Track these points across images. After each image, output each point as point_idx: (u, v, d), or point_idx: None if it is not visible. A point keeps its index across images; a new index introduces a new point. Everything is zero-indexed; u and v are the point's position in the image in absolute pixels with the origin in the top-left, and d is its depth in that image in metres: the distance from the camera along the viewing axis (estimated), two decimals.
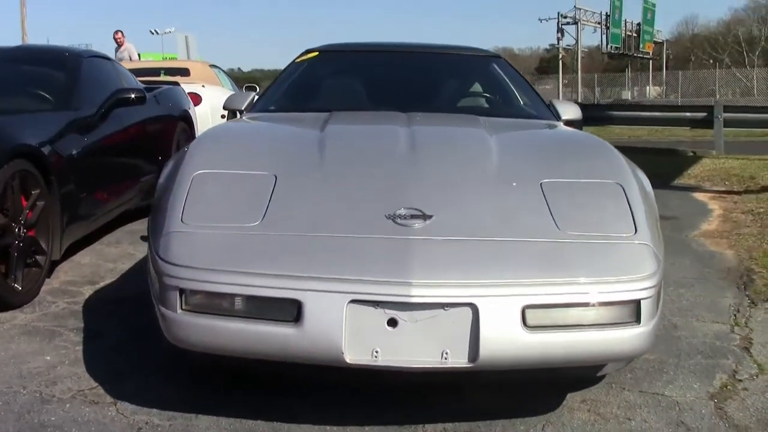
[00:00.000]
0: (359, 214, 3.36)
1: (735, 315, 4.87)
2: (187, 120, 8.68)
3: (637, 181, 3.70)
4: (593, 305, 3.09)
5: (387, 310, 3.00)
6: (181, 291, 3.12)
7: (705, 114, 13.95)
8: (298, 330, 3.00)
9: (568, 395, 3.65)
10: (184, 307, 3.13)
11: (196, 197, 3.46)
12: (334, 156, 3.86)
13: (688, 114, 14.59)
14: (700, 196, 9.60)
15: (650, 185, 3.91)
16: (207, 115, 11.12)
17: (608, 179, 3.69)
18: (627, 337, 3.14)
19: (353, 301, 2.99)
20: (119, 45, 16.76)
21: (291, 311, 3.02)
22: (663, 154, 13.62)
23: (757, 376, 3.93)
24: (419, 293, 2.98)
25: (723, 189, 9.99)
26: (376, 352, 3.00)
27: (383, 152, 3.98)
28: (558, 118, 5.33)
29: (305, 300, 3.00)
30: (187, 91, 9.60)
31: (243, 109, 5.47)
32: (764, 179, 10.29)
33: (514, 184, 3.64)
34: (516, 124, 5.03)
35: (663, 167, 11.05)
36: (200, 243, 3.24)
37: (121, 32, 16.82)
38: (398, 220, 3.28)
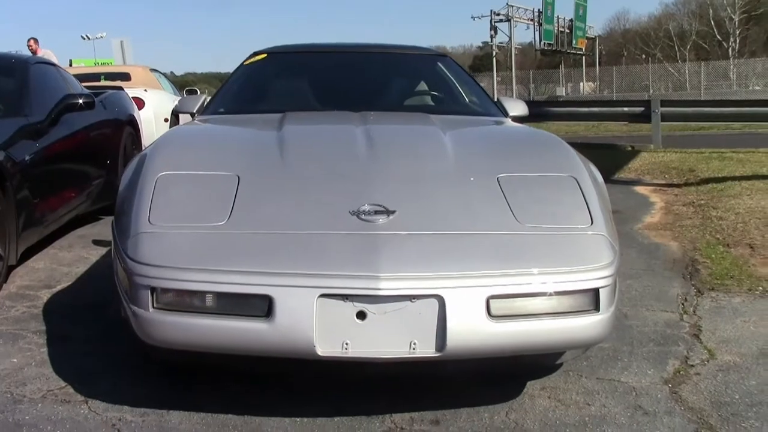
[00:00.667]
0: (324, 211, 3.43)
1: (683, 304, 5.03)
2: (134, 124, 8.66)
3: (590, 174, 3.83)
4: (554, 294, 3.20)
5: (356, 303, 3.07)
6: (153, 290, 3.17)
7: (642, 108, 14.25)
8: (270, 325, 3.06)
9: (528, 383, 3.76)
10: (155, 305, 3.17)
11: (161, 198, 3.50)
12: (295, 155, 3.92)
13: (626, 109, 14.88)
14: (641, 189, 9.82)
15: (601, 177, 4.04)
16: (151, 119, 11.09)
17: (563, 173, 3.82)
18: (587, 324, 3.25)
19: (323, 296, 3.06)
20: (33, 53, 15.31)
21: (262, 307, 3.08)
22: (602, 149, 13.86)
23: (708, 361, 4.07)
24: (387, 286, 3.06)
25: (663, 182, 10.22)
26: (347, 344, 3.08)
27: (343, 150, 4.06)
28: (505, 114, 5.46)
29: (276, 295, 3.06)
30: (130, 95, 9.56)
31: (195, 111, 5.49)
32: (703, 172, 10.55)
33: (472, 179, 3.74)
34: (466, 121, 5.14)
35: (603, 162, 11.09)
36: (169, 242, 3.28)
37: (34, 39, 15.93)
38: (362, 216, 3.36)
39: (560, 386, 3.75)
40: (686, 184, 9.79)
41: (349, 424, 3.34)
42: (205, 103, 5.62)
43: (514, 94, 51.65)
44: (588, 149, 12.22)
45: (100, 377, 3.80)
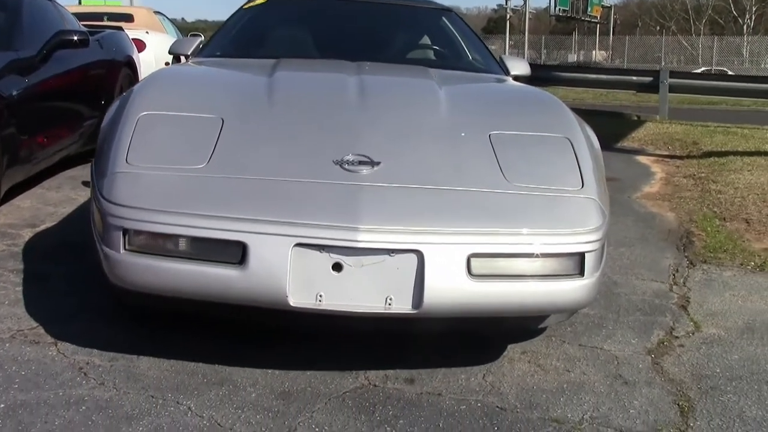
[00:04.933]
0: (306, 159, 3.34)
1: (674, 275, 4.95)
2: (131, 66, 8.53)
3: (585, 137, 3.72)
4: (538, 256, 3.11)
5: (332, 255, 2.99)
6: (125, 231, 3.08)
7: (651, 78, 14.08)
8: (243, 272, 2.98)
9: (509, 347, 3.68)
10: (127, 247, 3.09)
11: (141, 139, 3.40)
12: (283, 101, 3.82)
13: (634, 78, 14.70)
14: (643, 159, 9.70)
15: (598, 142, 3.94)
16: (151, 62, 10.94)
17: (557, 133, 3.71)
18: (570, 289, 3.17)
19: (298, 245, 2.97)
20: None
21: (236, 253, 3.00)
22: (608, 117, 13.72)
23: (693, 333, 4.00)
24: (365, 238, 2.98)
25: (666, 153, 10.11)
26: (320, 296, 3.00)
27: (332, 99, 3.95)
28: (507, 73, 5.34)
29: (250, 242, 2.98)
30: (131, 36, 9.41)
31: (189, 54, 5.38)
32: (706, 145, 10.43)
33: (463, 134, 3.64)
34: (465, 77, 5.02)
35: (607, 129, 11.11)
36: (145, 184, 3.19)
37: None
38: (346, 166, 3.26)
39: (541, 351, 3.68)
40: (689, 157, 9.68)
41: (321, 378, 3.27)
42: (201, 45, 5.50)
43: (526, 58, 51.19)
44: (593, 116, 12.13)
45: (74, 319, 3.73)
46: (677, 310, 4.32)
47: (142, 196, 3.12)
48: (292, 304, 2.98)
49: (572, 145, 3.60)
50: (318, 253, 2.99)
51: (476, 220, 3.13)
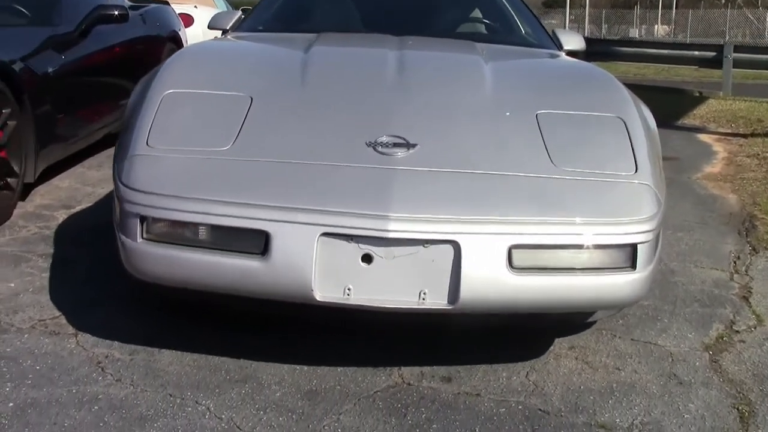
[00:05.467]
0: (337, 141, 3.13)
1: (735, 262, 4.66)
2: (177, 41, 8.35)
3: (640, 117, 3.45)
4: (586, 248, 2.87)
5: (361, 245, 2.78)
6: (143, 218, 2.90)
7: (714, 53, 13.59)
8: (265, 263, 2.79)
9: (556, 341, 3.46)
10: (145, 236, 2.91)
11: (164, 118, 3.22)
12: (316, 78, 3.61)
13: (696, 53, 14.20)
14: (704, 137, 9.32)
15: (654, 122, 3.66)
16: (199, 37, 10.76)
17: (609, 113, 3.44)
18: (620, 284, 2.92)
19: (325, 234, 2.77)
20: None
21: (258, 243, 2.80)
22: (668, 93, 13.27)
23: (755, 327, 3.73)
24: (397, 228, 2.76)
25: (728, 131, 9.70)
26: (349, 289, 2.79)
27: (369, 76, 3.73)
28: (560, 48, 5.06)
29: (273, 231, 2.78)
30: (177, 11, 9.25)
31: (228, 28, 5.18)
32: None
33: (508, 113, 3.40)
34: (515, 52, 4.75)
35: (668, 106, 10.75)
36: (165, 168, 3.01)
37: None
38: (379, 149, 3.04)
39: (590, 346, 3.44)
40: (753, 135, 9.27)
41: (352, 376, 3.07)
42: (241, 19, 5.31)
43: (586, 33, 50.37)
44: (653, 92, 11.76)
45: (97, 308, 3.57)
46: (738, 301, 4.05)
47: (161, 181, 2.94)
48: (317, 298, 2.78)
49: (626, 125, 3.34)
50: (346, 243, 2.78)
51: (519, 207, 2.89)
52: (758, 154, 8.01)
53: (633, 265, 2.93)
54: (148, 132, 3.14)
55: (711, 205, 6.07)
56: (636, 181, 3.08)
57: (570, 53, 5.04)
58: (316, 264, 2.76)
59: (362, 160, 3.00)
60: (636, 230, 2.91)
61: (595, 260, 2.90)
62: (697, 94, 13.49)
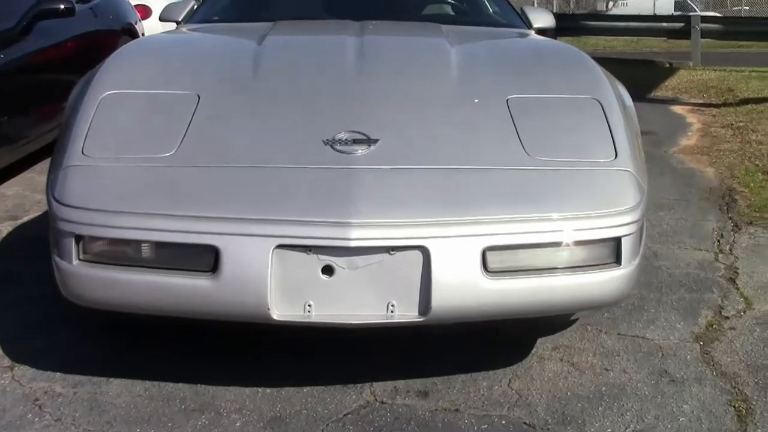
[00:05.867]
0: (291, 141, 2.87)
1: (719, 241, 4.46)
2: (132, 35, 7.98)
3: (616, 97, 3.21)
4: (566, 245, 2.64)
5: (321, 256, 2.53)
6: (78, 238, 2.64)
7: (683, 24, 13.45)
8: (216, 282, 2.54)
9: (539, 341, 3.24)
10: (81, 257, 2.64)
11: (102, 123, 2.95)
12: (269, 71, 3.35)
13: (665, 24, 14.06)
14: (678, 109, 9.13)
15: (631, 101, 3.42)
16: (158, 29, 10.30)
17: (584, 94, 3.20)
18: (605, 281, 2.69)
19: (280, 246, 2.52)
20: None
21: (207, 260, 2.56)
22: (639, 66, 13.06)
23: (744, 312, 3.53)
24: (359, 235, 2.51)
25: (701, 102, 9.51)
26: (309, 305, 2.55)
27: (326, 66, 3.46)
28: (529, 26, 4.79)
29: (223, 246, 2.53)
30: (134, 2, 8.88)
31: (181, 20, 4.87)
32: (742, 92, 9.82)
33: (476, 101, 3.15)
34: (482, 33, 4.48)
35: (639, 79, 10.50)
36: (102, 179, 2.74)
37: None
38: (337, 146, 2.79)
39: (575, 345, 3.22)
40: (725, 105, 9.08)
41: (320, 397, 2.82)
42: (194, 9, 4.98)
43: (555, 9, 50.13)
44: (624, 65, 11.55)
45: (39, 332, 3.29)
46: (725, 283, 3.85)
47: (99, 195, 2.68)
48: (275, 317, 2.54)
49: (602, 107, 3.10)
50: (304, 255, 2.54)
51: (491, 204, 2.65)
52: (732, 125, 7.82)
53: (617, 261, 2.70)
54: (83, 139, 2.87)
55: (689, 179, 5.86)
56: (615, 168, 2.85)
57: (539, 31, 4.78)
58: (271, 280, 2.52)
59: (319, 161, 2.74)
60: (619, 222, 2.68)
61: (577, 258, 2.66)
62: (668, 66, 13.31)
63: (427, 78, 3.35)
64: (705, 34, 13.16)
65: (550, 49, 4.07)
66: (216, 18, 4.73)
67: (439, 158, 2.80)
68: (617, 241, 2.68)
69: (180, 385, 2.87)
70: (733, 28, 13.61)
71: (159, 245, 2.59)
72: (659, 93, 10.46)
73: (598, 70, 3.45)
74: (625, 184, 2.79)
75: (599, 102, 3.13)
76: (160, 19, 5.22)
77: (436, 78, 3.34)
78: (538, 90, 3.25)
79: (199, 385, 2.86)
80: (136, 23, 8.25)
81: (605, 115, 3.06)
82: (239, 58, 3.56)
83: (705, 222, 4.79)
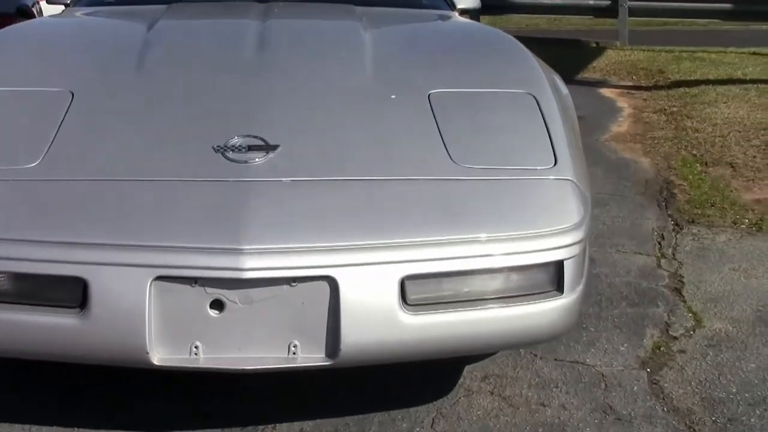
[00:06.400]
0: (177, 147, 2.44)
1: (660, 243, 4.12)
2: (29, 17, 7.39)
3: (554, 91, 2.84)
4: (498, 271, 2.25)
5: (209, 289, 2.12)
6: None
7: (609, 2, 13.16)
8: (84, 320, 2.11)
9: (466, 369, 2.87)
10: None
11: None
12: (156, 64, 2.89)
13: (591, 2, 13.75)
14: (606, 92, 8.80)
15: (569, 96, 3.05)
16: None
17: (517, 88, 2.82)
18: (544, 313, 2.32)
19: (161, 278, 2.10)
20: None
21: (74, 294, 2.13)
22: (564, 45, 12.71)
23: (693, 330, 3.20)
24: (254, 264, 2.10)
25: (631, 84, 9.20)
26: (196, 347, 2.14)
27: (222, 57, 3.02)
28: (452, 7, 4.36)
29: (92, 278, 2.10)
30: None
31: (68, 3, 4.33)
32: (673, 73, 9.55)
33: (393, 96, 2.74)
34: (401, 16, 4.03)
35: (565, 60, 10.06)
36: None
37: None
38: (230, 154, 2.36)
39: (507, 374, 2.86)
40: (656, 87, 8.79)
41: None
42: None
43: None
44: (549, 45, 11.18)
45: None
46: (670, 295, 3.52)
47: None
48: (155, 362, 2.12)
49: (538, 104, 2.72)
50: (189, 287, 2.11)
51: (411, 224, 2.25)
52: (665, 109, 7.52)
53: (559, 288, 2.32)
54: None
55: (624, 171, 5.52)
56: (554, 177, 2.46)
57: (464, 12, 4.37)
58: (150, 317, 2.09)
59: (207, 173, 2.31)
60: (560, 243, 2.30)
61: (512, 286, 2.28)
62: (594, 45, 13.03)
63: (336, 69, 2.93)
64: (633, 12, 12.91)
65: (477, 34, 3.65)
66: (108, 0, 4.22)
67: (349, 168, 2.39)
68: (558, 265, 2.31)
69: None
70: (661, 6, 13.35)
71: (17, 277, 2.16)
72: (586, 75, 10.13)
73: (532, 59, 3.07)
74: (566, 197, 2.42)
75: (534, 98, 2.75)
76: (48, 2, 4.67)
77: (348, 70, 2.93)
78: (464, 83, 2.86)
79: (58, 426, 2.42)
80: (33, 5, 7.61)
81: (542, 114, 2.68)
82: (124, 47, 3.09)
83: (643, 221, 4.45)
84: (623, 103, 8.05)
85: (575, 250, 2.32)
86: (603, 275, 3.68)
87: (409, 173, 2.39)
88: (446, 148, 2.48)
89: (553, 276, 2.31)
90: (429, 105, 2.67)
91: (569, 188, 2.43)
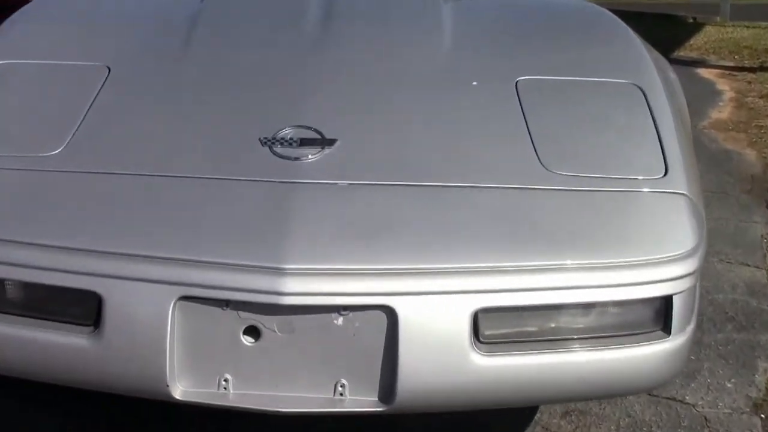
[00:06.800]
0: (218, 138, 2.08)
1: None
2: None
3: (664, 83, 2.40)
4: (592, 306, 1.85)
5: (243, 314, 1.76)
6: None
7: None
8: (97, 342, 1.78)
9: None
10: None
11: None
12: (205, 39, 2.52)
13: None
14: (705, 72, 8.23)
15: (681, 89, 2.61)
16: None
17: (621, 77, 2.39)
18: (647, 358, 1.90)
19: (186, 298, 1.75)
20: None
21: (88, 310, 1.80)
22: (658, 21, 12.10)
23: None
24: (298, 288, 1.73)
25: (732, 64, 8.60)
26: (225, 381, 1.79)
27: (278, 33, 2.62)
28: None
29: (107, 293, 1.76)
30: None
31: None
32: None
33: (475, 83, 2.34)
34: None
35: (659, 36, 9.48)
36: None
37: None
38: (278, 148, 2.00)
39: (592, 411, 2.49)
40: (762, 69, 8.18)
41: None
42: None
43: None
44: (641, 20, 10.58)
45: None
46: None
47: None
48: (177, 396, 1.78)
49: (646, 97, 2.29)
50: (219, 311, 1.76)
51: (489, 245, 1.85)
52: None
53: (665, 328, 1.91)
54: None
55: (726, 165, 5.03)
56: (666, 191, 2.04)
57: None
58: (173, 343, 1.75)
59: (249, 170, 1.95)
60: (669, 274, 1.88)
61: (607, 324, 1.88)
62: (692, 21, 12.37)
63: (409, 50, 2.52)
64: None
65: (573, 11, 3.16)
66: None
67: (418, 171, 2.00)
68: (666, 300, 1.89)
69: None
70: None
71: (24, 286, 1.83)
72: (682, 53, 9.53)
73: (638, 42, 2.63)
74: (679, 215, 1.99)
75: (641, 90, 2.32)
76: None
77: (422, 51, 2.51)
78: (557, 70, 2.43)
79: None
80: None
81: (650, 110, 2.25)
82: (172, 19, 2.73)
83: (750, 225, 3.99)
84: (724, 86, 7.49)
85: (687, 282, 1.91)
86: (704, 290, 3.22)
87: (489, 179, 2.00)
88: (535, 150, 2.08)
89: (659, 313, 1.90)
90: (516, 94, 2.28)
91: (683, 205, 2.01)
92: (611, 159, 2.11)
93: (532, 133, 2.13)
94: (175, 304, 1.74)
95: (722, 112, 6.50)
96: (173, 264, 1.76)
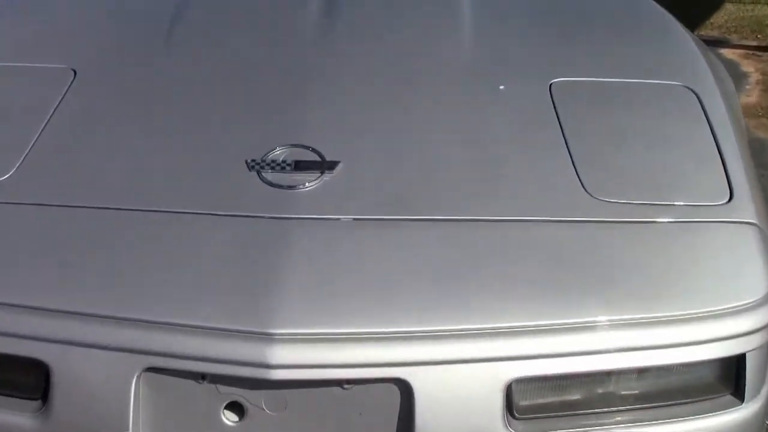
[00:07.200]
0: (196, 159, 1.75)
1: None
2: None
3: (720, 87, 2.06)
4: (649, 370, 1.51)
5: (223, 388, 1.44)
6: None
7: None
8: (44, 421, 1.46)
9: None
10: None
11: None
12: (186, 38, 2.19)
13: None
14: (728, 53, 7.88)
15: (734, 88, 2.27)
16: None
17: (671, 79, 2.06)
18: (714, 430, 1.56)
19: (153, 370, 1.42)
20: None
21: (34, 382, 1.49)
22: None
23: None
24: (290, 358, 1.40)
25: (756, 44, 8.27)
26: None
27: (270, 29, 2.27)
28: None
29: (55, 363, 1.43)
30: None
31: None
32: None
33: (502, 87, 1.99)
34: None
35: (676, 14, 9.28)
36: None
37: None
38: (268, 174, 1.67)
39: None
40: None
41: None
42: None
43: None
44: None
45: None
46: None
47: None
48: None
49: (701, 103, 1.96)
50: (194, 384, 1.44)
51: (525, 299, 1.51)
52: None
53: (737, 393, 1.57)
54: None
55: (759, 156, 4.64)
56: (731, 220, 1.70)
57: None
58: (137, 424, 1.43)
59: (232, 203, 1.62)
60: (739, 329, 1.54)
61: (667, 392, 1.55)
62: None
63: (425, 50, 2.17)
64: None
65: (613, 2, 2.80)
66: None
67: (435, 202, 1.66)
68: (739, 360, 1.56)
69: None
70: None
71: None
72: (703, 32, 9.14)
73: (689, 38, 2.29)
74: (750, 251, 1.65)
75: (696, 94, 1.99)
76: None
77: (440, 50, 2.17)
78: (597, 70, 2.10)
79: None
80: None
81: (707, 118, 1.92)
82: (150, 14, 2.38)
83: None
84: (749, 68, 7.16)
85: (763, 337, 1.57)
86: None
87: (520, 211, 1.66)
88: (576, 171, 1.74)
89: (728, 376, 1.57)
90: (551, 99, 1.94)
91: (753, 237, 1.66)
92: (665, 181, 1.78)
93: (571, 150, 1.80)
94: (139, 376, 1.42)
95: (750, 95, 6.18)
96: (136, 327, 1.43)
